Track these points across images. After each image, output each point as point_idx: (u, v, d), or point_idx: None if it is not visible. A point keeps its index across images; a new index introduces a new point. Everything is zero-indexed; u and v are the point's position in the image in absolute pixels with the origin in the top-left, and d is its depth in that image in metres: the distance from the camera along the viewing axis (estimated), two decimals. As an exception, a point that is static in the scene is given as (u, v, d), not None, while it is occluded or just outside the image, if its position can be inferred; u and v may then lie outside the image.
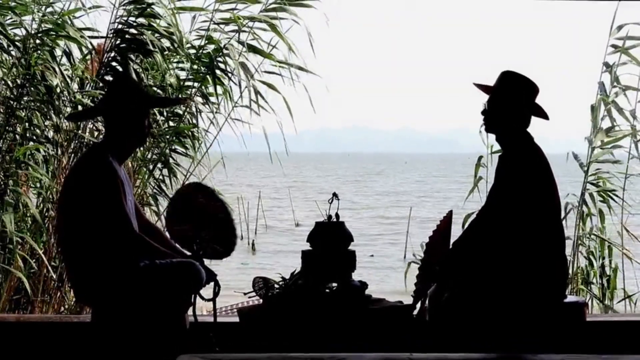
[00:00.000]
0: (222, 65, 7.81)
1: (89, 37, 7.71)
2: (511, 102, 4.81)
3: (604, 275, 8.11)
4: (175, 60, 7.87)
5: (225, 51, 7.76)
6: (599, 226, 8.21)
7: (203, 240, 4.87)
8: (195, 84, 7.86)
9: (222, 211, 5.01)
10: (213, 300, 4.86)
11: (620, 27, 8.15)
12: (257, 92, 7.85)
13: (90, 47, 7.71)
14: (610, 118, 8.21)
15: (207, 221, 4.94)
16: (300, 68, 7.79)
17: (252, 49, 7.84)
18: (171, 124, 7.87)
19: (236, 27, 7.80)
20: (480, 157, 8.36)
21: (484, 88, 4.92)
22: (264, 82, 7.90)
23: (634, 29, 8.16)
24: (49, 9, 7.64)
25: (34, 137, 7.47)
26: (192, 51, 7.86)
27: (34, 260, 7.17)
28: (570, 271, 7.93)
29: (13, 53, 7.44)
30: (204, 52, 7.80)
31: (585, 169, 8.19)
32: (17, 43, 7.41)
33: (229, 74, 7.79)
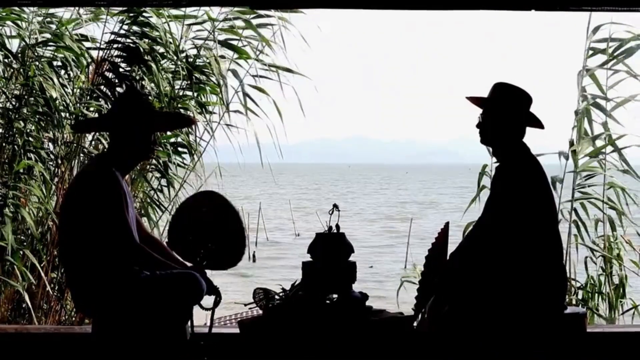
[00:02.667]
0: (209, 73, 7.80)
1: (87, 48, 7.72)
2: (506, 115, 4.81)
3: (611, 284, 8.08)
4: (170, 69, 7.88)
5: (202, 53, 7.77)
6: (608, 234, 8.16)
7: (209, 251, 4.86)
8: (190, 93, 7.87)
9: (234, 221, 4.98)
10: (212, 309, 4.85)
11: (596, 29, 8.13)
12: (245, 95, 7.86)
13: (89, 58, 7.72)
14: (589, 124, 8.15)
15: (214, 232, 4.92)
16: (287, 70, 7.81)
17: (229, 46, 7.86)
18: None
19: (229, 34, 7.84)
20: (484, 166, 8.31)
21: (476, 101, 4.93)
22: (253, 86, 7.92)
23: (615, 30, 8.13)
24: (47, 20, 7.66)
25: (33, 149, 7.47)
26: (190, 60, 7.87)
27: (34, 274, 7.16)
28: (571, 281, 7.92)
29: (14, 65, 7.45)
30: (182, 57, 7.80)
31: (562, 178, 8.13)
32: (16, 54, 7.42)
33: (209, 74, 7.78)
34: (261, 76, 7.92)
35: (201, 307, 4.78)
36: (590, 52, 8.16)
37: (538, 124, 4.89)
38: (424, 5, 5.48)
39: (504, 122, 4.81)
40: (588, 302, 7.93)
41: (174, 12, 7.82)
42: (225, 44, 7.90)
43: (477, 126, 4.89)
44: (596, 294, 7.99)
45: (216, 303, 4.83)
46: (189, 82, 7.76)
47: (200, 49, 7.83)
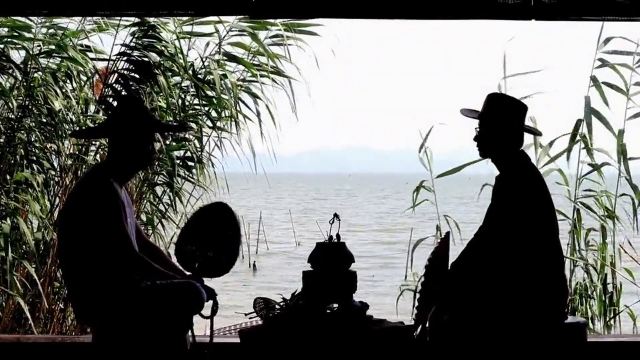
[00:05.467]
0: (220, 90, 7.81)
1: (92, 59, 7.72)
2: (501, 125, 4.81)
3: (606, 292, 8.09)
4: (181, 84, 7.90)
5: (205, 64, 7.78)
6: (599, 243, 8.18)
7: (208, 259, 4.88)
8: (199, 107, 7.88)
9: (231, 229, 5.01)
10: (211, 318, 4.85)
11: (607, 41, 8.15)
12: (256, 110, 7.88)
13: (93, 69, 7.72)
14: (589, 133, 8.17)
15: (214, 240, 4.95)
16: (278, 73, 7.84)
17: (232, 58, 7.89)
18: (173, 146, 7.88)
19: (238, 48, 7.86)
20: (422, 182, 8.52)
21: (471, 113, 4.93)
22: (247, 92, 7.93)
23: (622, 43, 8.17)
24: (51, 31, 7.66)
25: (35, 160, 7.48)
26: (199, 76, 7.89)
27: (35, 285, 7.14)
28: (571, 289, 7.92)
29: (18, 76, 7.45)
30: (191, 72, 7.82)
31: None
32: (18, 64, 7.43)
33: (219, 91, 7.80)
34: (259, 82, 7.94)
35: (200, 315, 4.79)
36: (598, 62, 8.19)
37: (534, 131, 4.90)
38: (423, 15, 5.48)
39: (500, 133, 4.81)
40: (576, 310, 7.95)
41: (186, 28, 7.85)
42: (233, 58, 7.92)
43: (474, 139, 4.89)
44: (591, 300, 8.01)
45: (214, 311, 4.84)
46: (200, 96, 7.78)
47: (205, 61, 7.83)
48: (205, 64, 7.84)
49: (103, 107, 7.54)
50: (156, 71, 7.51)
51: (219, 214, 5.03)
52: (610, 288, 8.13)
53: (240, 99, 7.97)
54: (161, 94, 7.61)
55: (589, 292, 8.01)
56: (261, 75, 7.92)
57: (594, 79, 8.18)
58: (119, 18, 7.51)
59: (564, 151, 8.17)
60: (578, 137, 8.18)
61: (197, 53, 7.91)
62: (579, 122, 8.16)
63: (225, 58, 7.95)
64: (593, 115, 8.13)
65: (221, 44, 7.87)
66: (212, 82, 7.79)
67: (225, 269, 4.97)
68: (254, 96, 7.98)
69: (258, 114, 7.91)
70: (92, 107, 7.77)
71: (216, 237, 4.96)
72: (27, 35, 7.50)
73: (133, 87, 7.52)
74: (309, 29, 7.78)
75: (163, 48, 7.68)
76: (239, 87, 7.95)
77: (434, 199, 8.67)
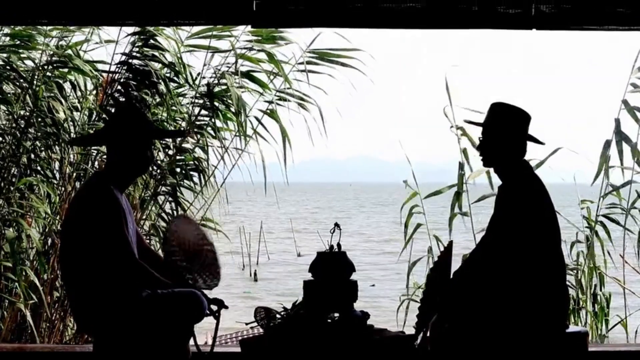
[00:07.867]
0: (229, 103, 7.80)
1: (97, 69, 7.73)
2: (505, 135, 4.81)
3: (597, 303, 8.11)
4: (190, 95, 7.91)
5: (222, 80, 7.78)
6: (587, 253, 8.21)
7: (194, 272, 4.88)
8: (206, 118, 7.89)
9: (208, 243, 5.04)
10: (217, 313, 4.82)
11: None
12: (263, 124, 7.89)
13: (98, 79, 7.73)
14: (620, 154, 8.19)
15: (196, 254, 4.97)
16: (300, 98, 7.84)
17: (250, 78, 7.89)
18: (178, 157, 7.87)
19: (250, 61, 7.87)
20: (413, 207, 8.63)
21: (477, 123, 4.94)
22: (263, 111, 7.94)
23: None
24: (55, 41, 7.68)
25: (38, 168, 7.49)
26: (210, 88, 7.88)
27: (36, 293, 7.15)
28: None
29: (25, 85, 7.46)
30: (201, 85, 7.81)
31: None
32: (24, 75, 7.45)
33: (229, 103, 7.80)
34: (274, 102, 7.93)
35: (209, 313, 4.75)
36: (631, 87, 8.19)
37: (537, 140, 4.90)
38: (424, 25, 5.48)
39: (503, 143, 4.82)
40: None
41: (198, 42, 7.85)
42: (246, 75, 7.92)
43: (478, 148, 4.89)
44: (585, 312, 8.02)
45: (222, 307, 4.80)
46: (209, 108, 7.78)
47: (220, 77, 7.83)
48: (220, 77, 7.82)
49: (104, 116, 7.56)
50: (156, 80, 7.51)
51: (188, 227, 5.06)
52: (599, 299, 8.15)
53: (257, 119, 7.97)
54: (162, 104, 7.61)
55: (579, 304, 8.03)
56: (280, 99, 7.92)
57: (625, 102, 8.20)
58: (119, 27, 7.51)
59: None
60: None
61: (212, 68, 7.91)
62: (607, 143, 8.21)
63: (244, 79, 7.92)
64: (622, 138, 8.16)
65: (237, 62, 7.84)
66: (223, 96, 7.78)
67: (216, 283, 4.98)
68: (271, 116, 7.97)
69: (284, 134, 7.90)
70: (93, 116, 7.76)
71: (196, 250, 4.99)
72: (37, 44, 7.52)
73: (134, 94, 7.53)
74: (343, 60, 7.79)
75: (164, 57, 7.68)
76: (265, 112, 7.96)
77: (431, 216, 8.74)
